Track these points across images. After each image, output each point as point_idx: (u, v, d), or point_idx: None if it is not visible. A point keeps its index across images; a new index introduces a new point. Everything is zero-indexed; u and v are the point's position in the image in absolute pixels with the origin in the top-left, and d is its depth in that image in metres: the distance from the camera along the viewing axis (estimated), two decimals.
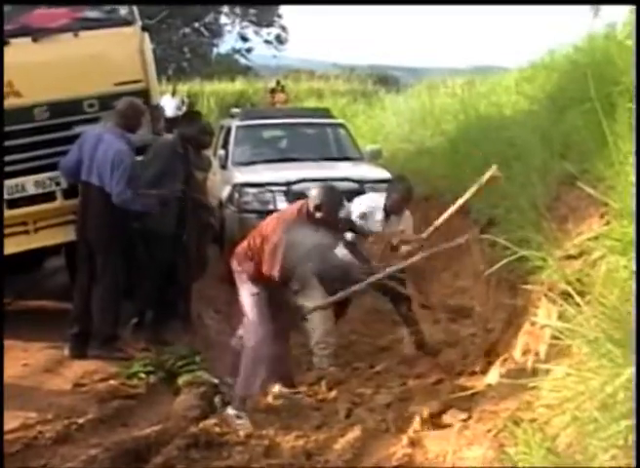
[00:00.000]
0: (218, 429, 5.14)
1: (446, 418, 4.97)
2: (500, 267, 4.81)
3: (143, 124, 7.09)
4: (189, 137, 7.16)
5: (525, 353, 5.08)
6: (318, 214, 5.39)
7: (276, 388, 5.89)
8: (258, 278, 5.47)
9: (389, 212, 6.68)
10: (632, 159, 3.78)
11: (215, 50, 44.51)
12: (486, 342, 6.36)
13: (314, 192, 5.46)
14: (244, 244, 5.63)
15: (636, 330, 2.86)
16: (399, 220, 6.75)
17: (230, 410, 5.39)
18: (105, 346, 6.58)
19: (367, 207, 6.72)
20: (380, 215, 6.65)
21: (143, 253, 6.97)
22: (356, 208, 6.72)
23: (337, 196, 5.54)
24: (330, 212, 5.42)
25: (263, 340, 5.41)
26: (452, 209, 6.36)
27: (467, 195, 6.26)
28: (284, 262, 5.24)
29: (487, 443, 4.14)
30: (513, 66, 14.56)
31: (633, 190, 3.47)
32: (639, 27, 5.62)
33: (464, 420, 4.77)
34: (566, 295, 4.00)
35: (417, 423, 5.03)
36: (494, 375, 5.52)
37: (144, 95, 7.18)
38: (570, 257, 4.77)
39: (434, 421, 5.05)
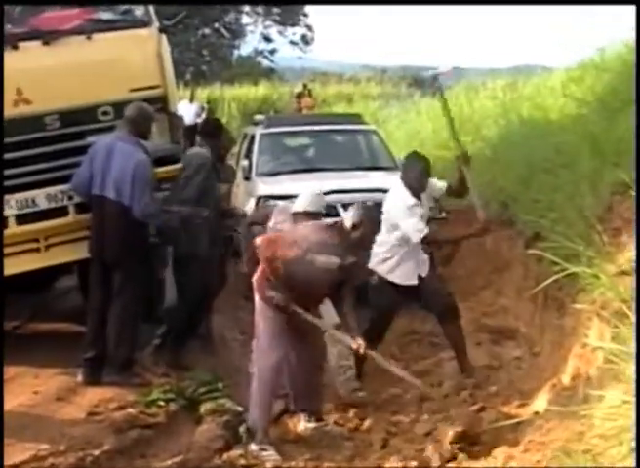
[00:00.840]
0: (243, 461, 5.18)
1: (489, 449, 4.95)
2: (548, 285, 4.80)
3: (162, 132, 7.12)
4: (218, 148, 7.22)
5: (575, 378, 5.06)
6: (355, 234, 5.53)
7: (301, 423, 5.91)
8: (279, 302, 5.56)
9: (416, 192, 6.68)
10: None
11: (236, 52, 44.73)
12: (532, 366, 6.34)
13: (352, 211, 5.62)
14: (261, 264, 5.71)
15: (636, 329, 2.83)
16: (428, 194, 6.82)
17: (253, 446, 5.43)
18: (122, 372, 6.60)
19: (402, 201, 6.66)
20: (411, 201, 6.63)
21: (177, 275, 7.05)
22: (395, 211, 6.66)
23: (375, 215, 5.79)
24: (367, 232, 5.61)
25: (273, 367, 5.50)
26: None
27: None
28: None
29: None
30: (559, 66, 14.55)
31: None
32: (639, 27, 5.67)
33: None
34: (620, 315, 3.98)
35: (459, 454, 5.03)
36: (542, 402, 5.50)
37: (162, 101, 7.22)
38: (624, 273, 4.74)
39: (477, 452, 5.04)
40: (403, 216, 6.50)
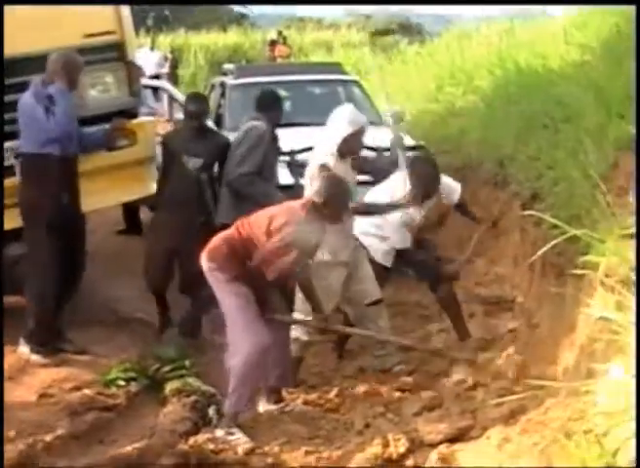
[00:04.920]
0: (212, 446, 5.15)
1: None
2: (547, 251, 4.78)
3: (119, 84, 7.06)
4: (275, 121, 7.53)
5: (577, 351, 5.06)
6: (326, 211, 5.61)
7: (260, 405, 5.96)
8: (242, 276, 5.54)
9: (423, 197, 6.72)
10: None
11: None
12: (530, 339, 6.36)
13: (319, 185, 5.69)
14: (226, 236, 5.70)
15: (636, 330, 2.84)
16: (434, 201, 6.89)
17: (220, 431, 5.41)
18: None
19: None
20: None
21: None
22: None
23: (344, 188, 5.76)
24: (338, 206, 5.68)
25: (256, 348, 5.45)
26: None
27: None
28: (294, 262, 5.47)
29: (533, 459, 4.14)
30: (560, 14, 14.48)
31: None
32: (639, 27, 5.71)
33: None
34: (626, 282, 3.98)
35: (448, 435, 5.05)
36: (540, 378, 5.51)
37: (119, 48, 7.16)
38: (630, 236, 4.73)
39: (469, 433, 5.07)
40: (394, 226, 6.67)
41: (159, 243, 7.30)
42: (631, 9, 5.68)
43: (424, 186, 6.65)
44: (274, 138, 7.53)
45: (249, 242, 5.56)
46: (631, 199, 4.98)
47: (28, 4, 6.81)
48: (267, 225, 5.52)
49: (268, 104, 7.57)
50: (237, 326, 5.54)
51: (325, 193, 5.62)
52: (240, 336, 5.51)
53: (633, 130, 5.26)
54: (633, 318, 3.28)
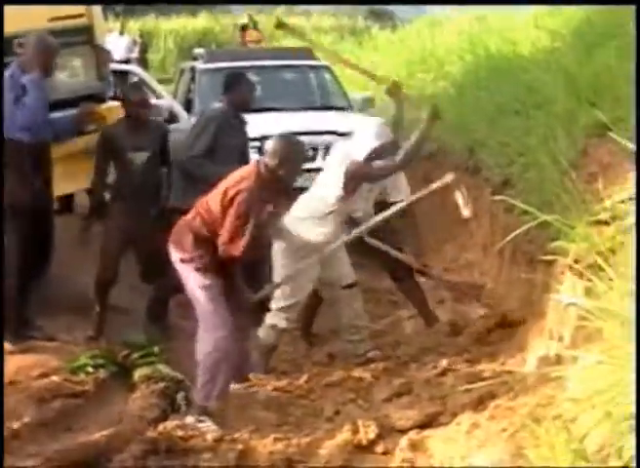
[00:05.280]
0: (181, 432, 5.12)
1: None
2: (517, 236, 4.79)
3: (87, 68, 7.00)
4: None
5: (547, 337, 5.08)
6: (281, 172, 5.45)
7: None
8: (211, 263, 5.46)
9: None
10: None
11: None
12: (500, 325, 6.38)
13: (273, 146, 5.50)
14: (188, 222, 5.56)
15: (636, 329, 2.85)
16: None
17: (190, 417, 5.38)
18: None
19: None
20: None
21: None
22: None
23: (300, 148, 5.64)
24: (293, 167, 5.51)
25: (226, 340, 5.42)
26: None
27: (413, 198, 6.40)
28: (253, 235, 5.32)
29: (502, 444, 4.13)
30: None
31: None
32: (639, 27, 5.73)
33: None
34: (595, 268, 3.99)
35: (418, 422, 5.06)
36: (510, 364, 5.54)
37: (87, 32, 7.10)
38: (600, 223, 4.75)
39: (439, 419, 5.08)
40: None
41: (113, 236, 7.16)
42: (631, 9, 5.73)
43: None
44: (238, 121, 7.45)
45: (211, 222, 5.43)
46: (600, 186, 5.00)
47: (28, 4, 6.76)
48: (221, 200, 5.39)
49: (229, 86, 7.48)
50: (205, 318, 5.49)
51: (280, 153, 5.43)
52: (208, 329, 5.47)
53: (603, 117, 5.28)
54: (603, 305, 3.29)
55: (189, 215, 5.58)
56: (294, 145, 5.59)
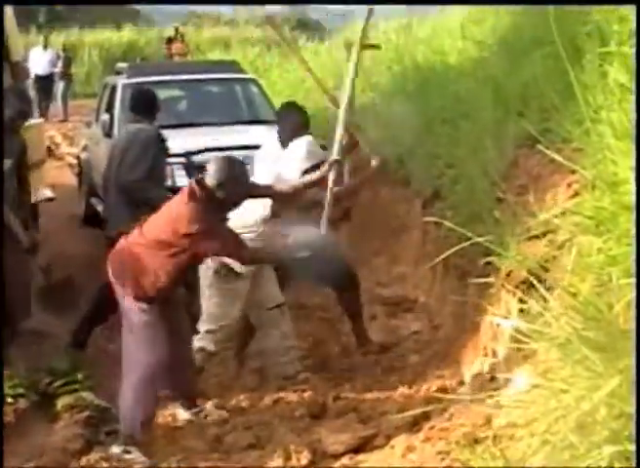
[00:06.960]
0: (106, 465, 5.02)
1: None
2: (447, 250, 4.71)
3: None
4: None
5: (481, 356, 5.02)
6: (220, 194, 5.32)
7: (180, 413, 5.82)
8: (144, 293, 5.31)
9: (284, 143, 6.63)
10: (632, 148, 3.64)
11: None
12: (433, 342, 6.32)
13: (213, 168, 5.38)
14: (128, 247, 5.42)
15: (636, 332, 2.75)
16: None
17: (116, 448, 5.25)
18: None
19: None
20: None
21: None
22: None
23: (242, 169, 5.54)
24: (235, 189, 5.38)
25: (158, 362, 5.32)
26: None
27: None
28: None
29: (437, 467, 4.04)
30: (457, 8, 14.54)
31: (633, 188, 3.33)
32: (639, 27, 5.74)
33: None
34: (528, 286, 3.92)
35: (351, 446, 4.95)
36: (444, 383, 5.47)
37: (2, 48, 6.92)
38: (531, 238, 4.70)
39: (373, 442, 4.98)
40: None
41: None
42: (631, 9, 5.70)
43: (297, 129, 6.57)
44: (162, 140, 7.31)
45: (158, 245, 5.29)
46: (531, 198, 4.94)
47: (28, 4, 6.60)
48: (173, 233, 5.26)
49: (150, 105, 7.39)
50: (138, 341, 5.35)
51: (220, 175, 5.31)
52: (139, 353, 5.35)
53: (531, 129, 5.22)
54: (537, 326, 3.19)
55: (130, 240, 5.43)
56: (235, 166, 5.46)
